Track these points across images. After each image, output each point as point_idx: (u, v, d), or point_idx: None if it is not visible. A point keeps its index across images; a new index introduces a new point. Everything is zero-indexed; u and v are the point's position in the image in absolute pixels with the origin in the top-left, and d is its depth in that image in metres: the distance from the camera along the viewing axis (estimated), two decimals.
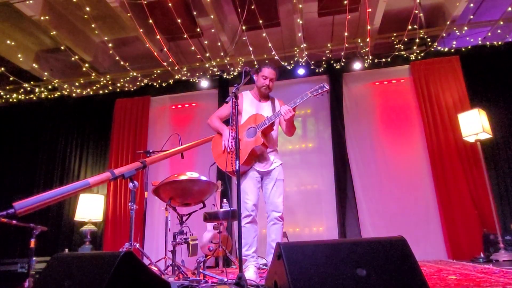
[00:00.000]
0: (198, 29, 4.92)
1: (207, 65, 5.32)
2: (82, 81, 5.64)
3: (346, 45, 4.83)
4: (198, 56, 5.05)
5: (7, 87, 5.61)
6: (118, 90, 5.90)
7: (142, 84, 5.75)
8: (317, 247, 1.53)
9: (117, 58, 4.98)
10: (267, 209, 2.74)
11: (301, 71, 5.30)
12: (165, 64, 5.13)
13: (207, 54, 5.12)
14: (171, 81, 5.74)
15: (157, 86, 5.73)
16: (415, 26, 4.58)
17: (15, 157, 6.04)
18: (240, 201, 2.14)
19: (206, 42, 5.05)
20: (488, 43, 4.94)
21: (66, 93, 5.85)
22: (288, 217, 4.19)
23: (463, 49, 5.01)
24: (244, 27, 4.56)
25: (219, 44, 4.97)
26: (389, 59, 5.03)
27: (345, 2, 4.22)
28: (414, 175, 4.82)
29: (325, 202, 5.00)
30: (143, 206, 3.88)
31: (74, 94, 5.86)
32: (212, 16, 4.45)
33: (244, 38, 4.70)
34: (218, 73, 5.49)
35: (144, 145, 5.53)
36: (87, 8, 4.33)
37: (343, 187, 4.87)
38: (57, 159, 5.86)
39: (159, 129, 5.76)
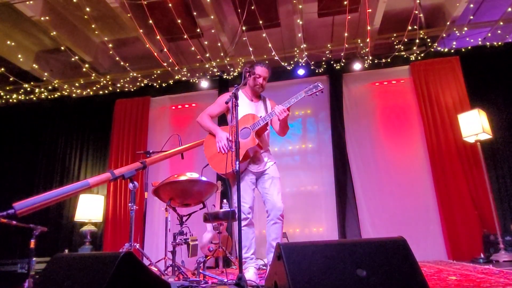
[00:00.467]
0: (198, 30, 4.92)
1: (207, 66, 5.32)
2: (82, 82, 5.64)
3: (346, 45, 4.83)
4: (198, 57, 5.05)
5: (7, 88, 5.61)
6: (118, 90, 5.90)
7: (142, 84, 5.75)
8: (317, 247, 1.53)
9: (117, 58, 4.98)
10: (267, 208, 2.71)
11: (301, 72, 5.30)
12: (165, 64, 5.13)
13: (207, 55, 5.12)
14: (171, 82, 5.75)
15: (157, 86, 5.73)
16: (415, 27, 4.58)
17: (15, 157, 6.04)
18: (239, 202, 2.12)
19: (206, 42, 5.05)
20: (488, 43, 4.94)
21: (66, 93, 5.85)
22: (288, 217, 4.18)
23: (463, 50, 5.02)
24: (244, 28, 4.56)
25: (219, 44, 4.97)
26: (389, 60, 5.03)
27: (345, 2, 4.22)
28: (414, 175, 4.82)
29: (325, 202, 4.99)
30: (143, 207, 3.88)
31: (74, 95, 5.86)
32: (212, 17, 4.45)
33: (244, 39, 4.70)
34: (218, 73, 5.49)
35: (144, 145, 5.53)
36: (87, 9, 4.33)
37: (343, 187, 4.86)
38: (57, 160, 5.86)
39: (159, 130, 5.76)
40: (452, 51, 5.07)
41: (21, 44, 5.13)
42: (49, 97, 5.88)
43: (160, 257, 3.60)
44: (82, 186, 2.39)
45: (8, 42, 4.84)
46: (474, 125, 4.10)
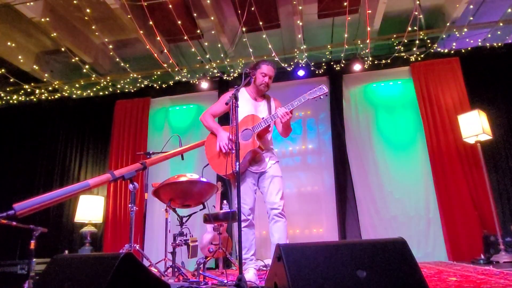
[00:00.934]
0: (198, 31, 4.93)
1: (207, 67, 5.32)
2: (82, 83, 5.64)
3: (346, 46, 4.84)
4: (198, 58, 5.06)
5: (8, 89, 5.62)
6: (118, 91, 5.90)
7: (142, 85, 5.76)
8: (317, 248, 1.53)
9: (117, 59, 4.98)
10: (267, 208, 2.69)
11: (301, 73, 5.29)
12: (165, 65, 5.14)
13: (207, 56, 5.13)
14: (171, 83, 5.75)
15: (157, 87, 5.74)
16: (415, 28, 4.59)
17: (15, 158, 6.04)
18: (240, 203, 2.12)
19: (206, 43, 5.05)
20: (488, 44, 4.94)
21: (66, 94, 5.85)
22: (288, 218, 4.17)
23: (463, 51, 5.02)
24: (244, 29, 4.57)
25: (219, 45, 4.97)
26: (389, 61, 5.04)
27: (345, 3, 4.22)
28: (414, 176, 4.82)
29: (325, 203, 4.99)
30: (143, 208, 3.88)
31: (74, 96, 5.87)
32: (212, 18, 4.46)
33: (244, 40, 4.70)
34: (218, 74, 5.50)
35: (144, 146, 5.53)
36: (88, 10, 4.34)
37: (343, 188, 4.86)
38: (57, 161, 5.86)
39: (159, 131, 5.76)
40: (452, 52, 5.07)
41: (22, 45, 5.14)
42: (49, 98, 5.88)
43: (160, 258, 3.59)
44: (82, 187, 2.39)
45: (9, 43, 4.85)
46: (474, 126, 4.10)
